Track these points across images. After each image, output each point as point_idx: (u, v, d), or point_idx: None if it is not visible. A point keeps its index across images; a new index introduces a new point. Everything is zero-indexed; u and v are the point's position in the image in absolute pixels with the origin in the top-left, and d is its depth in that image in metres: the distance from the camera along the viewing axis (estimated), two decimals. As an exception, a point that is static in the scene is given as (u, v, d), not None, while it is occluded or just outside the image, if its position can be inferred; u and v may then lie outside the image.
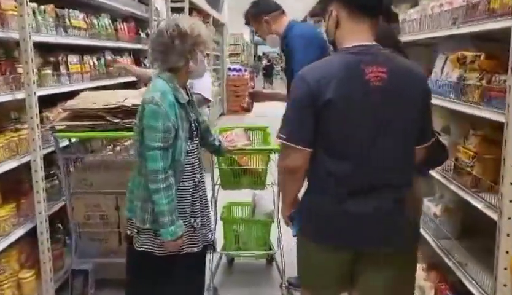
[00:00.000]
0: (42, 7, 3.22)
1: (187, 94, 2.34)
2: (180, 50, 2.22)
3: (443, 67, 2.76)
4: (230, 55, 16.06)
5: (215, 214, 3.38)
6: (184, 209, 2.32)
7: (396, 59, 1.77)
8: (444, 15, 2.66)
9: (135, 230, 2.30)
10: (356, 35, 1.73)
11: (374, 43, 1.75)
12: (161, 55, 2.24)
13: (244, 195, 3.55)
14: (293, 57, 2.89)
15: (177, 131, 2.21)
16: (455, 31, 2.45)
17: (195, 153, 2.38)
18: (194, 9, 8.86)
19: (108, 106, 2.85)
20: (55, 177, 3.31)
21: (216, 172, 3.22)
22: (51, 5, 3.39)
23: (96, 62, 4.11)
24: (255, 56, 28.74)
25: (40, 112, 3.41)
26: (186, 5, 7.53)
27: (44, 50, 3.41)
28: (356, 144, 1.70)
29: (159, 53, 2.24)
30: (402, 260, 1.80)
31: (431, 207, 2.88)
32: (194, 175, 2.38)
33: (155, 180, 2.15)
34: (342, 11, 1.75)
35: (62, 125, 2.83)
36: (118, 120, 2.85)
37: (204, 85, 3.99)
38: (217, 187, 3.27)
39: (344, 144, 1.71)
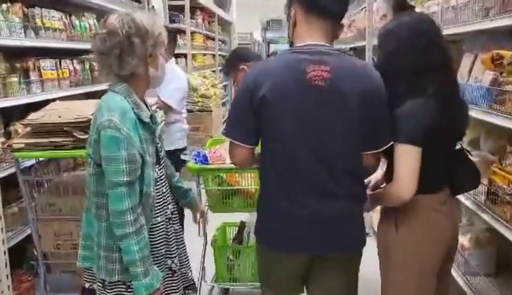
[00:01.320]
0: (4, 5, 2.82)
1: (147, 108, 1.91)
2: (140, 52, 1.78)
3: (471, 69, 2.29)
4: (239, 55, 15.56)
5: (205, 239, 2.96)
6: (158, 250, 1.91)
7: (345, 58, 1.68)
8: (471, 5, 2.20)
9: (100, 284, 1.86)
10: (309, 35, 1.69)
11: (326, 43, 1.68)
12: (116, 59, 1.76)
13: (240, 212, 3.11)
14: None
15: (143, 157, 1.78)
16: (488, 25, 1.99)
17: (164, 179, 1.95)
18: (196, 7, 8.42)
19: (75, 120, 2.44)
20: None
21: (204, 192, 2.79)
22: (18, 4, 3.00)
23: (77, 67, 3.71)
24: (268, 55, 28.28)
25: (8, 125, 3.06)
26: (186, 3, 7.07)
27: (11, 55, 3.02)
28: (296, 145, 1.65)
29: (113, 58, 1.75)
30: (348, 262, 1.81)
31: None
32: (166, 207, 1.96)
33: (121, 223, 1.71)
34: (299, 11, 1.71)
35: (20, 143, 2.43)
36: (86, 136, 2.42)
37: (170, 92, 3.51)
38: (205, 208, 2.83)
39: (284, 144, 1.67)
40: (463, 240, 2.37)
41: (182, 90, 3.64)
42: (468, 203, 2.20)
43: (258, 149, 1.79)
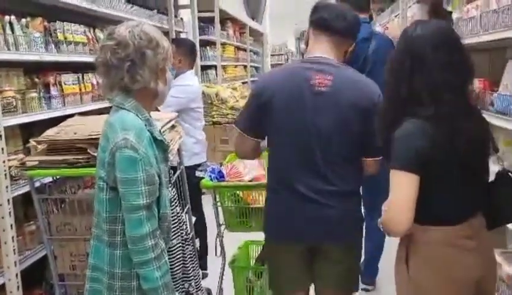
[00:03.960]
0: (24, 20, 2.78)
1: None
2: (152, 65, 1.68)
3: (516, 79, 2.06)
4: (272, 66, 15.68)
5: (223, 258, 2.80)
6: (176, 274, 1.79)
7: (347, 71, 1.92)
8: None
9: None
10: (316, 49, 1.95)
11: (331, 57, 1.92)
12: (128, 72, 1.66)
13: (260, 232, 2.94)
14: None
15: (160, 177, 1.69)
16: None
17: (176, 199, 1.85)
18: (227, 19, 8.38)
19: (89, 136, 2.35)
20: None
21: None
22: (39, 19, 2.96)
23: (100, 81, 3.65)
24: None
25: (27, 141, 3.01)
26: (216, 14, 7.02)
27: (31, 70, 2.98)
28: (292, 142, 1.87)
29: (125, 71, 1.66)
30: (344, 252, 1.92)
31: (502, 265, 2.16)
32: (181, 228, 1.86)
33: (142, 250, 1.61)
34: (311, 30, 1.99)
35: (34, 161, 2.35)
36: (101, 154, 2.33)
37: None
38: (222, 227, 2.69)
39: (283, 140, 1.90)
40: (510, 270, 2.12)
41: (180, 101, 3.39)
42: (514, 228, 1.97)
43: (264, 143, 2.01)
